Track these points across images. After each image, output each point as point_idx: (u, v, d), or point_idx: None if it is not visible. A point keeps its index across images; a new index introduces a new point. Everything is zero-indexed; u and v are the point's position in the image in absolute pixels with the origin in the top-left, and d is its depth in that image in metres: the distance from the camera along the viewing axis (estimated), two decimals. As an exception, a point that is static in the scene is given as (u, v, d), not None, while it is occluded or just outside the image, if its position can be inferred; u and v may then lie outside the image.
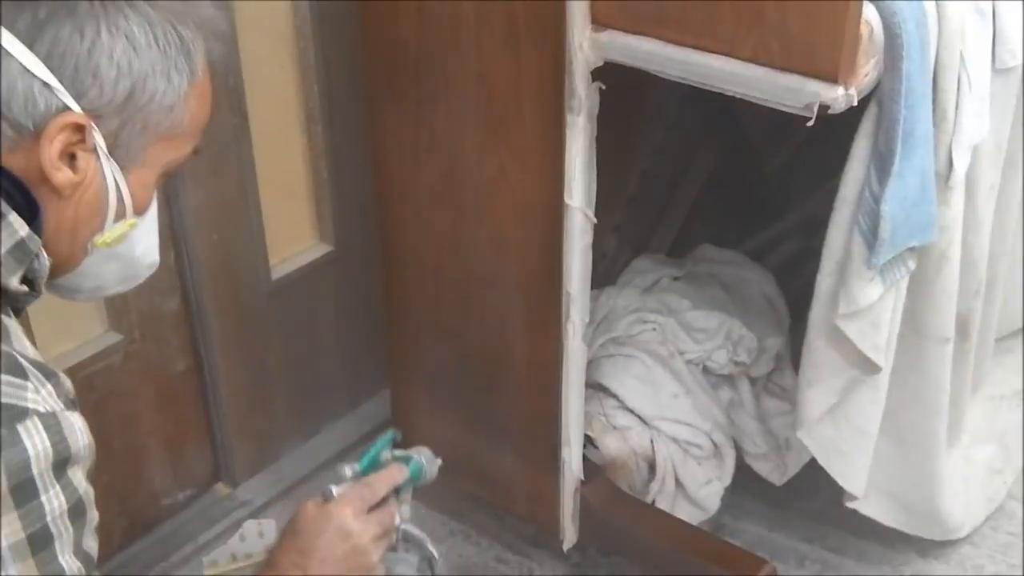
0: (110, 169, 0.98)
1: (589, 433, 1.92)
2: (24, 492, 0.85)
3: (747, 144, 2.34)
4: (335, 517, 1.19)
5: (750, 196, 2.40)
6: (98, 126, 0.96)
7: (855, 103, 1.41)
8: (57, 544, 0.88)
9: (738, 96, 1.45)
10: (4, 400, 0.85)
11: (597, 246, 1.70)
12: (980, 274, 1.85)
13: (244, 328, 2.12)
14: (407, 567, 1.29)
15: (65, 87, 0.93)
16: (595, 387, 2.00)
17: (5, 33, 0.92)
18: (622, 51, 1.50)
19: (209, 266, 2.00)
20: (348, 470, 1.26)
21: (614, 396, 1.99)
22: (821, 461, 1.83)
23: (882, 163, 1.51)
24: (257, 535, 2.14)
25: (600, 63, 1.52)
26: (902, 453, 1.91)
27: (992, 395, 2.22)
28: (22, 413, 0.85)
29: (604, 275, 2.17)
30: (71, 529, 0.90)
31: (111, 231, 1.02)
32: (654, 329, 2.06)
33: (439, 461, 1.34)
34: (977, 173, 1.70)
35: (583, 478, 1.89)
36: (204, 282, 2.00)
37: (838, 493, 2.00)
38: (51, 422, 0.87)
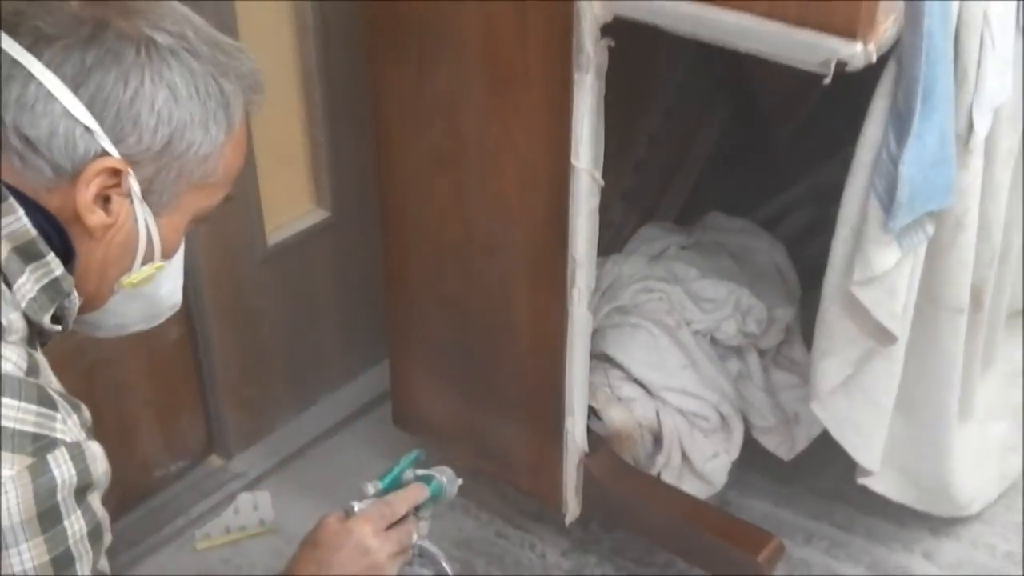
0: (142, 213, 1.01)
1: (593, 404, 1.88)
2: (50, 517, 0.89)
3: (758, 109, 2.29)
4: (355, 533, 1.23)
5: (761, 163, 2.35)
6: (134, 172, 0.98)
7: (874, 60, 1.37)
8: (78, 566, 0.92)
9: (752, 53, 1.40)
10: (36, 431, 0.89)
11: (603, 213, 1.66)
12: (995, 243, 1.80)
13: (239, 296, 2.08)
14: None
15: (105, 132, 0.96)
16: (600, 357, 1.95)
17: (51, 76, 0.94)
18: (632, 6, 1.45)
19: (203, 231, 1.94)
20: (370, 488, 1.30)
21: (619, 366, 1.95)
22: (835, 435, 1.78)
23: (900, 123, 1.46)
24: (252, 508, 2.12)
25: (609, 19, 1.47)
26: (912, 427, 1.86)
27: (1007, 371, 2.18)
28: (52, 444, 0.89)
29: (610, 243, 2.12)
30: (91, 552, 0.94)
31: (138, 273, 1.04)
32: (661, 298, 2.02)
33: (460, 481, 1.37)
34: (996, 137, 1.65)
35: (587, 450, 1.84)
36: (198, 248, 1.95)
37: (847, 469, 1.96)
38: (76, 451, 0.91)
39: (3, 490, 0.86)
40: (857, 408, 1.74)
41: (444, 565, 1.34)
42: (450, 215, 1.76)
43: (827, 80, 1.35)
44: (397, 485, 1.32)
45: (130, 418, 2.02)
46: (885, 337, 1.63)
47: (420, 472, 1.34)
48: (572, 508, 1.90)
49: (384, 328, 2.02)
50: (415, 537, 1.30)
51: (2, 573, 0.88)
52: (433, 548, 1.34)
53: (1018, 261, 2.00)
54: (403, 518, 1.28)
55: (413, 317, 1.93)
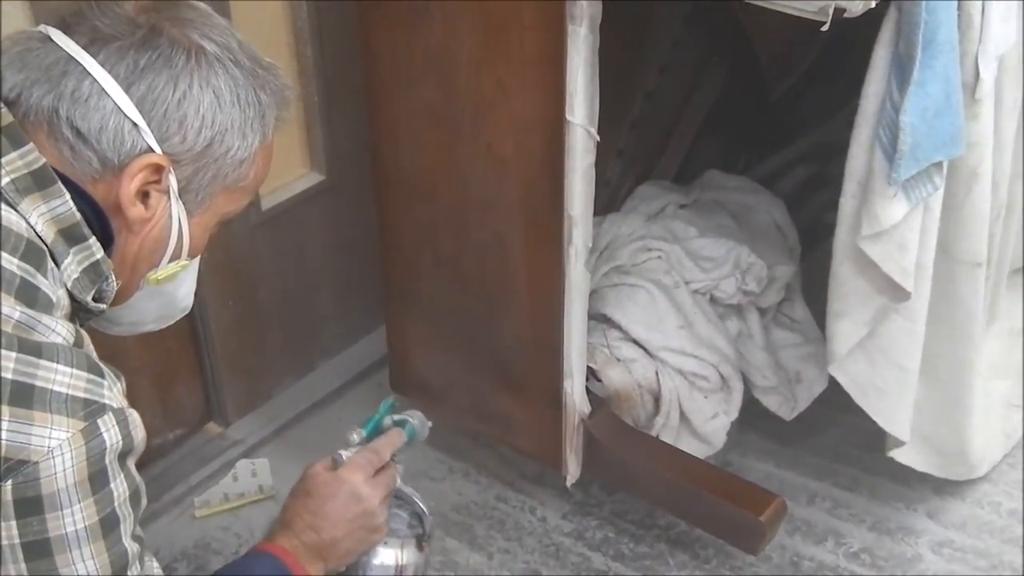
0: (177, 211, 1.07)
1: (592, 365, 1.85)
2: (99, 480, 0.95)
3: (756, 65, 2.25)
4: (347, 482, 1.28)
5: (759, 120, 2.32)
6: (174, 170, 1.04)
7: (873, 4, 1.33)
8: (122, 527, 0.98)
9: (748, 0, 1.37)
10: (86, 396, 0.94)
11: (600, 172, 1.63)
12: (1002, 197, 1.77)
13: (233, 261, 2.06)
14: (399, 522, 1.38)
15: (152, 130, 1.02)
16: (598, 318, 1.93)
17: (105, 74, 1.00)
18: (625, -44, 1.42)
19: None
20: (355, 436, 1.36)
21: (618, 327, 1.92)
22: (857, 400, 1.74)
23: (902, 71, 1.43)
24: (250, 475, 2.10)
25: (602, -31, 1.44)
26: (935, 389, 1.81)
27: (1009, 329, 2.15)
28: (101, 409, 0.94)
29: (607, 202, 2.10)
30: (132, 514, 1.00)
31: (165, 269, 1.10)
32: (659, 257, 1.99)
33: (430, 424, 1.45)
34: (1001, 87, 1.62)
35: (586, 412, 1.82)
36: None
37: (849, 429, 1.95)
38: (121, 417, 0.96)
39: (60, 452, 0.91)
40: (879, 372, 1.70)
41: (420, 504, 1.39)
42: (444, 173, 1.73)
43: (825, 27, 1.32)
44: (377, 432, 1.39)
45: (127, 386, 1.99)
46: (898, 293, 1.59)
47: (396, 417, 1.41)
48: (572, 470, 1.89)
49: (380, 291, 1.99)
50: (398, 480, 1.36)
51: (56, 533, 0.93)
52: (407, 489, 1.39)
53: (1019, 215, 1.97)
54: (386, 464, 1.34)
55: (409, 279, 1.91)
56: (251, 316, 2.14)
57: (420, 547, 1.39)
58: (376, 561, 1.34)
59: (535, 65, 1.54)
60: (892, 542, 1.96)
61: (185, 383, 2.12)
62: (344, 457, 1.31)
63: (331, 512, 1.26)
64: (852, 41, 1.51)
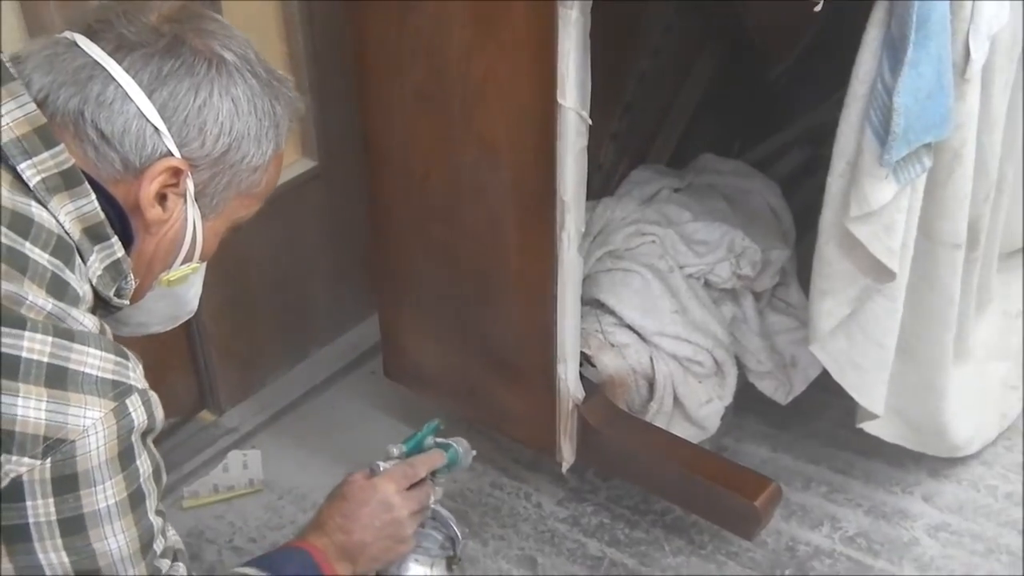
0: (193, 214, 1.10)
1: (586, 351, 1.85)
2: (126, 457, 0.99)
3: (751, 48, 2.24)
4: (380, 490, 1.34)
5: (754, 103, 2.31)
6: (192, 174, 1.08)
7: (865, -16, 1.33)
8: (148, 503, 1.03)
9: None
10: (115, 378, 0.98)
11: (593, 156, 1.62)
12: (992, 177, 1.76)
13: (225, 249, 2.01)
14: (432, 542, 1.42)
15: (172, 135, 1.05)
16: (592, 303, 1.92)
17: (129, 80, 1.03)
18: (617, -63, 1.41)
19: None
20: (395, 450, 1.41)
21: (612, 312, 1.91)
22: (836, 376, 1.75)
23: (895, 52, 1.42)
24: (242, 466, 2.10)
25: (594, -49, 1.43)
26: (909, 367, 1.83)
27: (1006, 311, 2.15)
28: (128, 390, 0.99)
29: (601, 186, 2.09)
30: (155, 490, 1.04)
31: (177, 270, 1.14)
32: (653, 242, 1.98)
33: (474, 452, 1.49)
34: (993, 67, 1.61)
35: (580, 397, 1.81)
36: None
37: (845, 414, 1.94)
38: (145, 398, 1.00)
39: (95, 430, 0.96)
40: (858, 349, 1.71)
41: (454, 528, 1.43)
42: (435, 158, 1.72)
43: (818, 7, 1.31)
44: (418, 449, 1.43)
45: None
46: (883, 274, 1.60)
47: (439, 440, 1.45)
48: (567, 456, 1.88)
49: (372, 277, 1.98)
50: (432, 499, 1.39)
51: (90, 509, 0.97)
52: (445, 512, 1.43)
53: (1013, 196, 1.96)
54: (422, 480, 1.38)
55: (401, 266, 1.90)
56: (244, 304, 2.13)
57: (450, 568, 1.43)
58: (407, 575, 1.39)
59: (526, 49, 1.53)
60: (888, 526, 1.96)
61: (178, 372, 2.11)
62: (381, 468, 1.36)
63: (362, 516, 1.31)
64: (847, 22, 1.50)
